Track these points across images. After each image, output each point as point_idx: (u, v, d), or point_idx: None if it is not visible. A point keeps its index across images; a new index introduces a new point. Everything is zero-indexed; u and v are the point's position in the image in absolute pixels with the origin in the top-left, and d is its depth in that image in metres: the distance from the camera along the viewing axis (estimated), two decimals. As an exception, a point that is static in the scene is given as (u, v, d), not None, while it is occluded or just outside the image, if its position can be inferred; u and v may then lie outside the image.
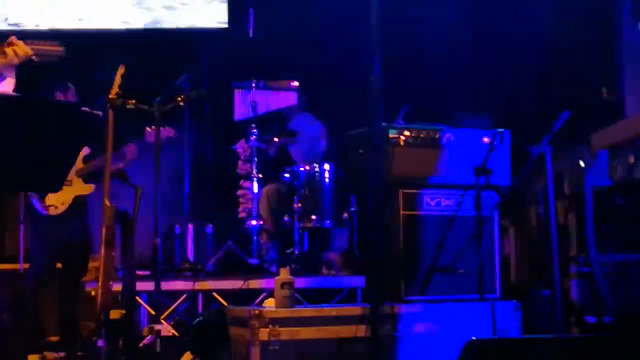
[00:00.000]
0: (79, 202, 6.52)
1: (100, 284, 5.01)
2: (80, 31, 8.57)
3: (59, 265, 6.60)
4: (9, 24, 8.45)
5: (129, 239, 5.31)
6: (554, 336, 4.52)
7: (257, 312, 5.18)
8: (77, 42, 7.87)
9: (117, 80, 5.24)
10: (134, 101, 5.27)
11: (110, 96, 5.21)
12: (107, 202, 5.09)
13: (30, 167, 3.74)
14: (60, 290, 6.60)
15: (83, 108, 3.77)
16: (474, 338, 3.51)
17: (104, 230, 5.03)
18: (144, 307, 6.63)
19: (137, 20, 8.67)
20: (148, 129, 6.23)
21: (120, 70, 5.25)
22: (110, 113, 5.12)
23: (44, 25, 8.52)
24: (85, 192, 6.56)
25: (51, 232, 6.44)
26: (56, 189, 4.60)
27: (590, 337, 3.83)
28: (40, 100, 3.75)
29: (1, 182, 3.77)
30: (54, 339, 6.66)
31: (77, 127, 3.74)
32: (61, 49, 3.88)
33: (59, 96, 6.46)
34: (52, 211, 6.38)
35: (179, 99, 5.79)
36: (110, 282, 5.05)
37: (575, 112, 5.62)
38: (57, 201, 6.41)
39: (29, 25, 8.49)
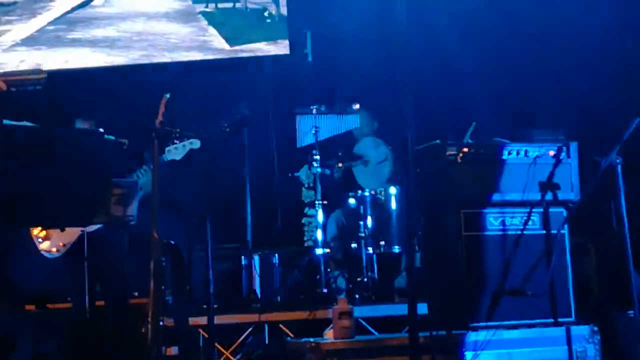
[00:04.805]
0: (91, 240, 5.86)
1: (150, 320, 4.84)
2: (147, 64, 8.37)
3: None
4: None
5: (180, 273, 5.13)
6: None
7: (313, 345, 4.97)
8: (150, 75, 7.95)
9: (162, 109, 5.09)
10: (179, 130, 5.10)
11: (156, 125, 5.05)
12: (155, 235, 4.92)
13: (56, 200, 3.61)
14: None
15: (107, 136, 3.62)
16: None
17: (152, 264, 4.86)
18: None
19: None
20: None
21: (164, 100, 5.11)
22: (155, 142, 4.96)
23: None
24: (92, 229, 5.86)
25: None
26: (86, 223, 4.45)
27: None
28: (62, 129, 3.60)
29: (27, 217, 3.62)
30: None
31: (102, 154, 3.60)
32: (42, 76, 3.67)
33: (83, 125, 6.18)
34: (48, 254, 5.86)
35: (225, 125, 5.61)
36: (161, 318, 4.87)
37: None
38: (54, 243, 5.91)
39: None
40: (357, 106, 7.31)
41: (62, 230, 5.82)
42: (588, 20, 7.37)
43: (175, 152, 6.04)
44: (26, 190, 3.50)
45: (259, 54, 8.15)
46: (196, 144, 5.96)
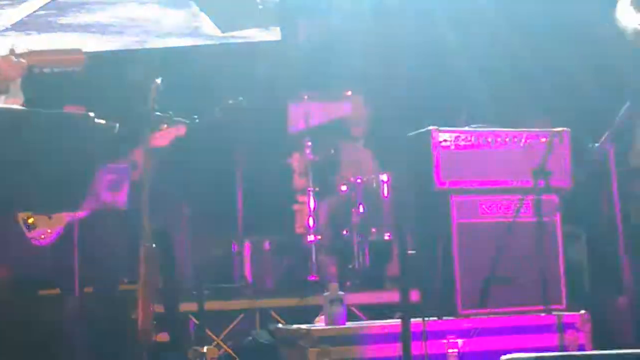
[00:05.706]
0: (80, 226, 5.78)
1: (140, 306, 4.81)
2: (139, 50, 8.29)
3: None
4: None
5: (170, 259, 5.10)
6: (595, 353, 4.13)
7: (305, 331, 4.94)
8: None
9: (153, 94, 5.05)
10: (169, 115, 5.07)
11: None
12: (145, 221, 4.89)
13: (45, 185, 3.57)
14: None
15: (97, 120, 3.57)
16: (508, 355, 3.20)
17: (142, 250, 4.83)
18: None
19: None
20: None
21: (155, 85, 5.07)
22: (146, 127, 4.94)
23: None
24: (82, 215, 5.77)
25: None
26: (75, 209, 4.41)
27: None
28: (52, 112, 3.55)
29: (14, 203, 3.58)
30: None
31: (92, 139, 3.56)
32: (81, 57, 3.59)
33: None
34: (37, 242, 5.76)
35: (217, 111, 5.58)
36: (151, 305, 4.84)
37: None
38: (42, 230, 5.80)
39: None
40: (349, 93, 7.30)
41: (50, 217, 5.79)
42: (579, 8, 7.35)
43: (161, 138, 5.98)
44: (13, 175, 3.46)
45: (251, 40, 8.12)
46: (181, 130, 5.92)
